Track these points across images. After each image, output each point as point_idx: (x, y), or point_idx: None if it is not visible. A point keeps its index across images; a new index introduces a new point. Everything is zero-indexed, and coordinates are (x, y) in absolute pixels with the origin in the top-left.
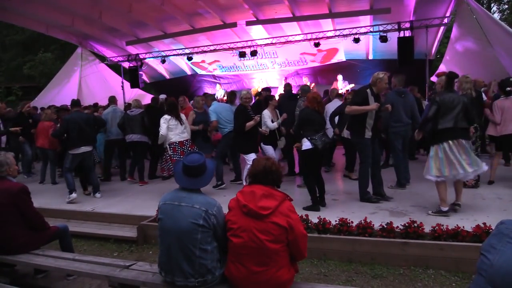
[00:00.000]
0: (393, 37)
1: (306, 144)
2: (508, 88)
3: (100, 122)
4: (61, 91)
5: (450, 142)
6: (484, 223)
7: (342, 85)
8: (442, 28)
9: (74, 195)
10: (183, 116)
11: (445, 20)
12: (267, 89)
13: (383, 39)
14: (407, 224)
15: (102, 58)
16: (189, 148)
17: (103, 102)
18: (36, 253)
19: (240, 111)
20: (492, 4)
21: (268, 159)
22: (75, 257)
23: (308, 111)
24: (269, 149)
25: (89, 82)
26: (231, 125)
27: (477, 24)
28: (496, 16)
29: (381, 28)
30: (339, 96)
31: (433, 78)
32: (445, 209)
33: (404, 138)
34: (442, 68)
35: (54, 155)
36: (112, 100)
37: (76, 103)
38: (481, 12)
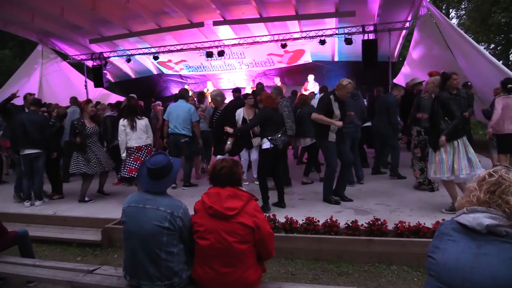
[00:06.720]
0: (357, 39)
1: (266, 144)
2: (510, 86)
3: (51, 127)
4: (20, 90)
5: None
6: (444, 219)
7: (312, 86)
8: (404, 31)
9: (27, 203)
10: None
11: (407, 24)
12: (238, 90)
13: (348, 41)
14: (371, 222)
15: (64, 56)
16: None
17: (65, 102)
18: None
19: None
20: (451, 10)
21: (228, 160)
22: (35, 263)
23: (268, 110)
24: (244, 154)
25: (50, 81)
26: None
27: (437, 28)
28: (454, 21)
29: (346, 30)
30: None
31: (396, 80)
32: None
33: (354, 138)
34: (404, 70)
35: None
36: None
37: (33, 102)
38: (440, 18)
